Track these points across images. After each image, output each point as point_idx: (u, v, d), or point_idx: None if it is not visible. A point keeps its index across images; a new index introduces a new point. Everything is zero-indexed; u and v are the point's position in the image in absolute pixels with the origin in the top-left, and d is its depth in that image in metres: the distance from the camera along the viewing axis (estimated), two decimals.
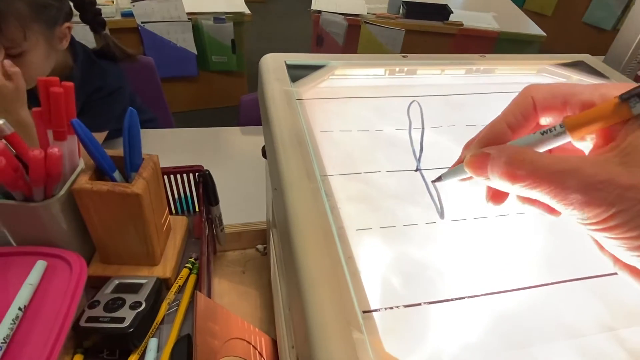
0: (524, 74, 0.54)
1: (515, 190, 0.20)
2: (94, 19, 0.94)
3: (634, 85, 0.19)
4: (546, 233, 0.29)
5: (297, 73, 0.45)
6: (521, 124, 0.23)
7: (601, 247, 0.21)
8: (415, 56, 0.51)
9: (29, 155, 0.38)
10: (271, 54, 0.47)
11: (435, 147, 0.35)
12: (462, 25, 2.26)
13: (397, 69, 0.50)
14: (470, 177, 0.23)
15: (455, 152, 0.35)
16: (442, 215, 0.27)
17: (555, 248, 0.28)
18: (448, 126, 0.38)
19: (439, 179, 0.27)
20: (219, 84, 2.39)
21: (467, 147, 0.25)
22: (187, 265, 0.53)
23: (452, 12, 2.28)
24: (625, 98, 0.18)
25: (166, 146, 1.12)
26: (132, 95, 1.16)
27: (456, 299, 0.24)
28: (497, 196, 0.24)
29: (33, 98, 0.87)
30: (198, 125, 2.45)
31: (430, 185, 0.30)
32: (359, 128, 0.37)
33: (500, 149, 0.21)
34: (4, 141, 0.43)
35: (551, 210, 0.22)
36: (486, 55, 0.53)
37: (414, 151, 0.34)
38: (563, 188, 0.18)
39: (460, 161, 0.25)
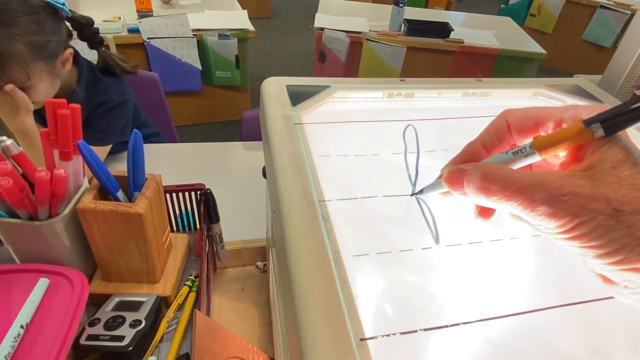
0: (520, 97, 0.55)
1: (489, 203, 0.22)
2: (91, 38, 0.96)
3: (603, 108, 0.20)
4: (539, 258, 0.30)
5: (298, 95, 0.46)
6: (495, 144, 0.25)
7: None
8: (413, 80, 0.52)
9: (36, 176, 0.39)
10: (273, 78, 0.49)
11: (431, 172, 0.36)
12: (463, 42, 2.29)
13: (395, 93, 0.51)
14: (450, 192, 0.25)
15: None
16: (437, 240, 0.28)
17: (548, 273, 0.29)
18: (443, 150, 0.39)
19: (421, 192, 0.29)
20: (223, 98, 2.42)
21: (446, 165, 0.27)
22: (187, 283, 0.54)
23: (453, 30, 2.31)
24: (588, 124, 0.20)
25: (169, 161, 1.14)
26: (136, 110, 1.18)
27: (451, 325, 0.24)
28: (484, 212, 0.26)
29: (39, 118, 0.89)
30: (202, 139, 2.47)
31: (426, 210, 0.31)
32: (356, 152, 0.37)
33: (475, 165, 0.22)
34: (10, 162, 0.45)
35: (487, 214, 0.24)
36: (482, 79, 0.54)
37: (409, 176, 0.35)
38: (532, 200, 0.20)
39: (440, 177, 0.27)
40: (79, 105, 0.44)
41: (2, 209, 0.43)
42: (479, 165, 0.22)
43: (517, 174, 0.20)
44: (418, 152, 0.38)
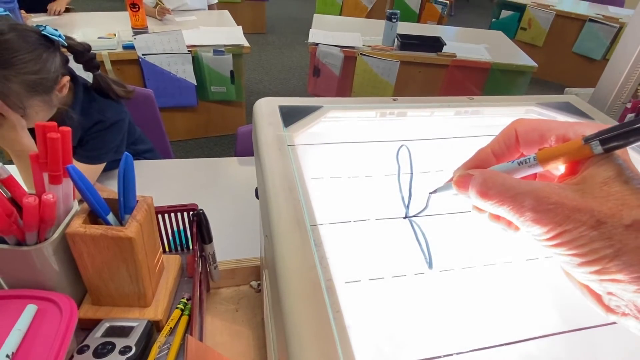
0: (511, 115, 0.56)
1: (487, 207, 0.23)
2: (87, 62, 0.97)
3: (604, 127, 0.21)
4: (534, 282, 0.29)
5: (291, 115, 0.46)
6: (504, 152, 0.26)
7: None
8: (405, 99, 0.52)
9: (24, 202, 0.38)
10: (265, 99, 0.48)
11: (425, 193, 0.36)
12: (456, 56, 2.32)
13: (388, 112, 0.51)
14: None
15: (442, 198, 0.36)
16: (430, 265, 0.28)
17: (543, 298, 0.28)
18: (436, 171, 0.39)
19: (435, 191, 0.30)
20: (218, 113, 2.42)
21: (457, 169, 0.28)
22: (179, 306, 0.53)
23: (445, 44, 2.34)
24: (588, 140, 0.21)
25: (163, 177, 1.13)
26: (131, 126, 1.17)
27: (445, 356, 0.24)
28: (495, 216, 0.26)
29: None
30: (196, 154, 2.47)
31: (419, 233, 0.31)
32: (349, 174, 0.37)
33: (480, 172, 0.24)
34: (5, 191, 0.44)
35: (510, 224, 0.25)
36: (474, 97, 0.55)
37: (402, 198, 0.34)
38: (521, 207, 0.21)
39: (451, 180, 0.28)
40: (69, 129, 0.43)
41: None
42: (483, 172, 0.24)
43: (513, 181, 0.22)
44: (412, 173, 0.38)
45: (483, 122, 0.54)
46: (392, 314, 0.26)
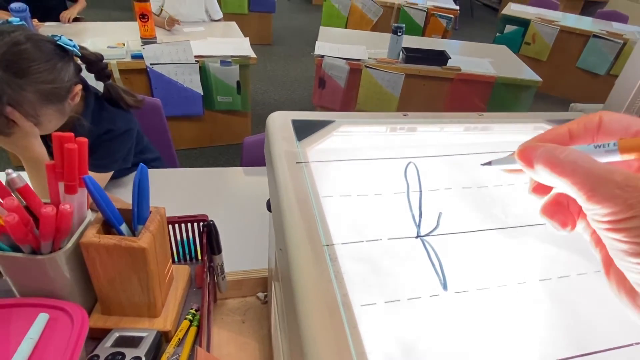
0: (520, 131, 0.56)
1: (550, 179, 0.23)
2: (99, 72, 0.98)
3: None
4: (550, 303, 0.30)
5: (303, 129, 0.47)
6: (581, 134, 0.25)
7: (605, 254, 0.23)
8: (415, 114, 0.53)
9: (42, 212, 0.39)
10: (278, 112, 0.49)
11: (435, 211, 0.36)
12: (460, 70, 2.34)
13: (398, 127, 0.52)
14: (518, 171, 0.26)
15: (453, 216, 0.36)
16: (445, 286, 0.28)
17: (559, 319, 0.29)
18: (445, 189, 0.39)
19: (489, 163, 0.29)
20: (224, 123, 2.44)
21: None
22: (187, 316, 0.53)
23: (450, 58, 2.36)
24: None
25: (170, 187, 1.14)
26: (139, 135, 1.19)
27: None
28: (540, 189, 0.27)
29: (46, 146, 0.90)
30: (202, 163, 2.48)
31: (432, 253, 0.31)
32: (359, 192, 0.38)
33: (551, 144, 0.24)
34: (15, 194, 0.45)
35: (565, 224, 0.25)
36: (484, 113, 0.55)
37: (413, 217, 0.35)
38: (594, 184, 0.20)
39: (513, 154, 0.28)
40: (86, 140, 0.44)
41: (4, 243, 0.42)
42: (553, 144, 0.23)
43: (587, 157, 0.21)
44: (420, 191, 0.38)
45: (492, 138, 0.54)
46: (411, 337, 0.26)
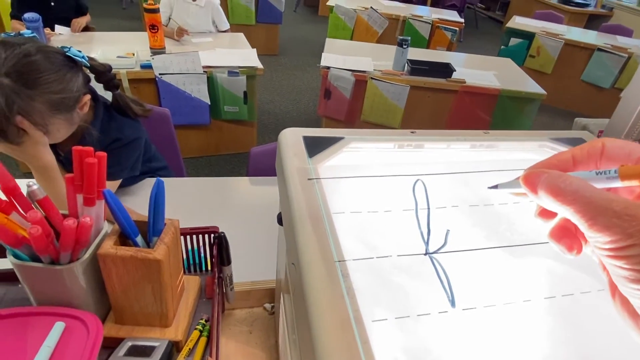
0: (525, 149, 0.57)
1: (554, 206, 0.23)
2: (107, 82, 1.01)
3: None
4: (552, 320, 0.31)
5: (314, 145, 0.48)
6: (584, 159, 0.26)
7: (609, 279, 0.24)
8: (423, 132, 0.54)
9: (64, 225, 0.40)
10: (290, 129, 0.51)
11: (442, 229, 0.38)
12: (465, 82, 2.36)
13: (406, 144, 0.53)
14: (523, 194, 0.26)
15: (460, 233, 0.37)
16: (453, 303, 0.29)
17: (565, 337, 0.30)
18: (452, 207, 0.41)
19: (495, 187, 0.30)
20: (230, 132, 2.47)
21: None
22: (197, 327, 0.54)
23: (455, 70, 2.39)
24: None
25: (177, 195, 1.15)
26: (147, 144, 1.21)
27: None
28: (545, 214, 0.28)
29: (54, 153, 0.92)
30: (208, 171, 2.50)
31: (440, 270, 0.32)
32: (368, 209, 0.39)
33: (555, 170, 0.25)
34: (34, 205, 0.46)
35: (571, 248, 0.25)
36: (490, 131, 0.57)
37: (421, 234, 0.36)
38: (594, 213, 0.21)
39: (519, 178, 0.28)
40: (104, 154, 0.46)
41: (25, 253, 0.44)
42: (556, 171, 0.24)
43: (588, 185, 0.22)
44: (428, 208, 0.40)
45: (497, 156, 0.55)
46: (421, 353, 0.27)
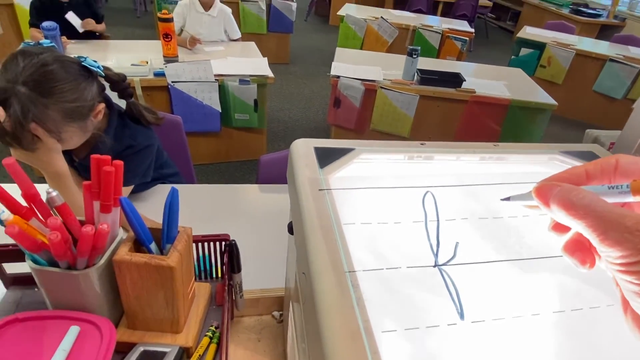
0: (534, 162, 0.58)
1: (566, 220, 0.24)
2: (122, 91, 1.03)
3: None
4: (561, 335, 0.31)
5: (325, 156, 0.49)
6: (597, 175, 0.27)
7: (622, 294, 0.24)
8: (432, 144, 0.55)
9: (82, 232, 0.41)
10: (302, 140, 0.52)
11: (452, 241, 0.38)
12: (475, 92, 2.36)
13: (416, 155, 0.54)
14: (535, 206, 0.27)
15: (469, 246, 0.37)
16: (462, 316, 0.29)
17: (570, 352, 0.30)
18: (462, 219, 0.41)
19: (508, 199, 0.31)
20: (240, 139, 2.49)
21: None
22: (207, 333, 0.55)
23: (465, 80, 2.39)
24: None
25: (187, 201, 1.17)
26: (159, 150, 1.23)
27: None
28: (559, 227, 0.28)
29: (68, 159, 0.94)
30: (217, 178, 2.52)
31: (449, 283, 0.32)
32: (378, 220, 0.40)
33: (567, 184, 0.25)
34: (53, 212, 0.48)
35: (584, 262, 0.25)
36: (499, 144, 0.57)
37: (431, 246, 0.36)
38: (606, 228, 0.22)
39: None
40: (122, 162, 0.47)
41: (44, 258, 0.45)
42: (569, 185, 0.25)
43: (601, 200, 0.23)
44: (438, 220, 0.40)
45: (507, 169, 0.56)
46: None
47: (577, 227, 0.23)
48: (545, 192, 0.25)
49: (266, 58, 2.43)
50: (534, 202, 0.27)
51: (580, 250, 0.26)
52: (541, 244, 0.38)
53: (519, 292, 0.33)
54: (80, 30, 2.39)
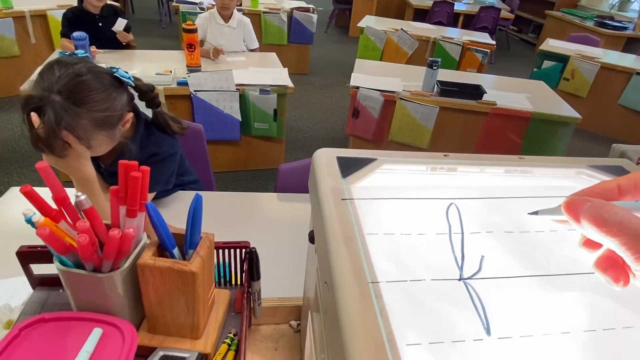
0: (561, 176, 0.56)
1: (598, 237, 0.23)
2: (150, 101, 1.06)
3: None
4: (592, 355, 0.30)
5: (348, 166, 0.49)
6: (630, 190, 0.26)
7: None
8: (456, 155, 0.54)
9: (109, 235, 0.42)
10: (324, 149, 0.52)
11: (476, 254, 0.37)
12: (496, 104, 2.33)
13: (439, 167, 0.53)
14: (565, 221, 0.26)
15: (495, 260, 0.37)
16: (488, 331, 0.29)
17: None
18: (487, 232, 0.40)
19: (536, 213, 0.30)
20: (259, 148, 2.52)
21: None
22: (225, 340, 0.55)
23: (486, 92, 2.36)
24: None
25: (207, 208, 1.17)
26: (181, 158, 1.25)
27: None
28: (590, 244, 0.27)
29: (95, 165, 0.96)
30: (236, 186, 2.55)
31: (475, 297, 0.32)
32: (402, 231, 0.39)
33: (599, 199, 0.24)
34: (80, 215, 0.49)
35: (618, 280, 0.25)
36: (525, 156, 0.56)
37: (455, 258, 0.36)
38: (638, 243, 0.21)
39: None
40: (148, 168, 0.48)
41: (70, 260, 0.46)
42: (601, 200, 0.24)
43: (634, 217, 0.22)
44: (462, 233, 0.39)
45: (532, 182, 0.55)
46: None
47: (610, 244, 0.23)
48: (576, 207, 0.25)
49: (286, 68, 2.46)
50: (563, 217, 0.26)
51: (613, 267, 0.25)
52: (570, 260, 0.37)
53: (547, 309, 0.32)
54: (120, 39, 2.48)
